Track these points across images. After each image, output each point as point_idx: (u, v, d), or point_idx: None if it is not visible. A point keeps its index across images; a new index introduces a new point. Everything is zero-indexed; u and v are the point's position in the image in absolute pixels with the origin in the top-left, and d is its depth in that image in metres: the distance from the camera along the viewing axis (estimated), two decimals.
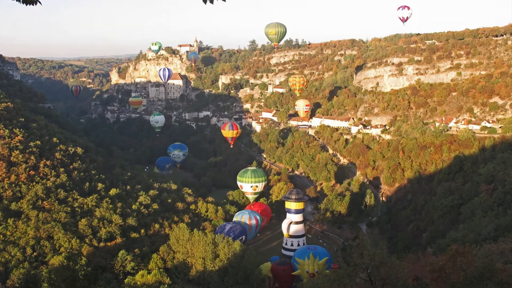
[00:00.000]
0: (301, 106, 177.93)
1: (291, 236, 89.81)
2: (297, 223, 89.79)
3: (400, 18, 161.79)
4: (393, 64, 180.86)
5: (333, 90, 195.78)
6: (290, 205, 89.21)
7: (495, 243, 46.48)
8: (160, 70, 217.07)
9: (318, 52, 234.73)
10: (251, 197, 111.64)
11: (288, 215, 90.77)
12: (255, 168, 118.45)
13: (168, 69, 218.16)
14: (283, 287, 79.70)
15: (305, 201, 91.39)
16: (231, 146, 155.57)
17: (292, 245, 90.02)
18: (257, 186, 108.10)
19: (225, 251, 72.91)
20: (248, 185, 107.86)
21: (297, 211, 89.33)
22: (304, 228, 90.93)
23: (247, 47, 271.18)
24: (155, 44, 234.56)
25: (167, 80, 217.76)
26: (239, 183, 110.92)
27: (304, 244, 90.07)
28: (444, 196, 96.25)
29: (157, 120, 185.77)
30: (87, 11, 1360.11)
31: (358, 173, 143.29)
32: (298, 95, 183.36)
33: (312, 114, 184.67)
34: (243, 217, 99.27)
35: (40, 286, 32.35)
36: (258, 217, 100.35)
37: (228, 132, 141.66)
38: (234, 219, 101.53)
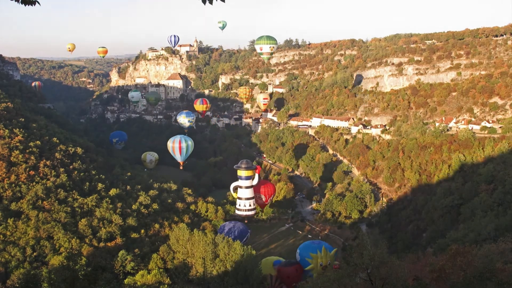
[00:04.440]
0: (260, 99, 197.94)
1: (239, 198, 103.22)
2: (247, 187, 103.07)
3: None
4: (393, 64, 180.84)
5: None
6: (241, 172, 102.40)
7: (495, 243, 46.44)
8: (169, 36, 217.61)
9: (318, 52, 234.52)
10: (266, 57, 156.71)
11: (239, 181, 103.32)
12: (268, 35, 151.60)
13: (176, 35, 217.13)
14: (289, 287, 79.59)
15: (253, 169, 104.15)
16: (202, 117, 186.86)
17: (240, 205, 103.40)
18: (273, 47, 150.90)
19: (225, 251, 72.93)
20: (267, 46, 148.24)
21: (246, 178, 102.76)
22: (253, 192, 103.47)
23: (247, 47, 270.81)
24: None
25: (175, 45, 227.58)
26: (258, 46, 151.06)
27: (251, 205, 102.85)
28: (444, 196, 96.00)
29: (133, 95, 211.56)
30: (87, 11, 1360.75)
31: (358, 173, 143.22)
32: (245, 102, 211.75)
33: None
34: (174, 140, 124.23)
35: (40, 286, 32.34)
36: (190, 142, 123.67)
37: (200, 106, 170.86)
38: (168, 143, 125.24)
